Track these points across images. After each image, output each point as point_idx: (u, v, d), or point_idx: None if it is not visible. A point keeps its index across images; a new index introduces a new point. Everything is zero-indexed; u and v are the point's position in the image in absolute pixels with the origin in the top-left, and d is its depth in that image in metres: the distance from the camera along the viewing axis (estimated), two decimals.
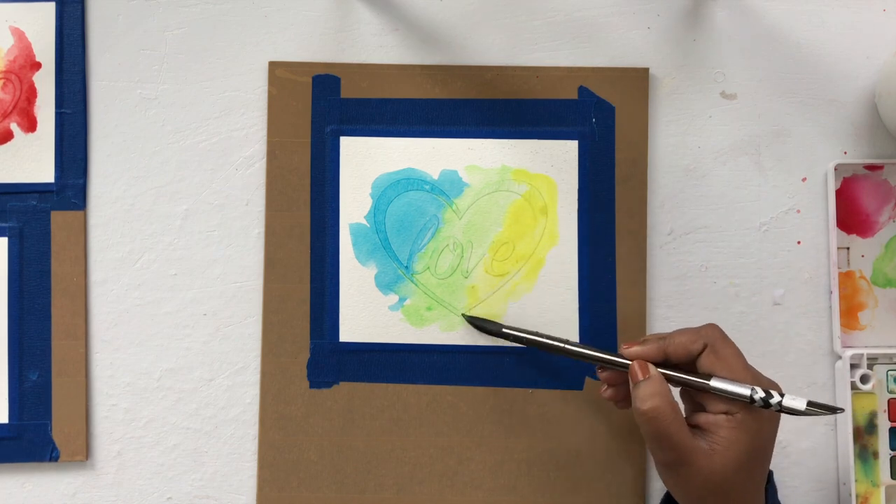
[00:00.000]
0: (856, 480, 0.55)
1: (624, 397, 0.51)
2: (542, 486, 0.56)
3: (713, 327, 0.49)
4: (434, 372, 0.57)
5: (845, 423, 0.55)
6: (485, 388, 0.57)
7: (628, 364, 0.49)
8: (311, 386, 0.57)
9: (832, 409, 0.47)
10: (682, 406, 0.50)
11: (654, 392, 0.47)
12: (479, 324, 0.55)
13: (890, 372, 0.56)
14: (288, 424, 0.57)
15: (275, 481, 0.56)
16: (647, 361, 0.49)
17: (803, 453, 0.57)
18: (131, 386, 0.57)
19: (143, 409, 0.57)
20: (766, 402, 0.46)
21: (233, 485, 0.57)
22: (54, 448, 0.56)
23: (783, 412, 0.47)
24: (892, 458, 0.56)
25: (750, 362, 0.48)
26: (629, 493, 0.56)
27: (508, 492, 0.56)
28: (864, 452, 0.56)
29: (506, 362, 0.57)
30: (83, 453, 0.57)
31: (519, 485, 0.56)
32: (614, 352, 0.51)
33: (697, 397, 0.49)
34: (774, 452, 0.56)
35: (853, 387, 0.56)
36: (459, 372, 0.57)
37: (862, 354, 0.55)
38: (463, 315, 0.56)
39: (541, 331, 0.54)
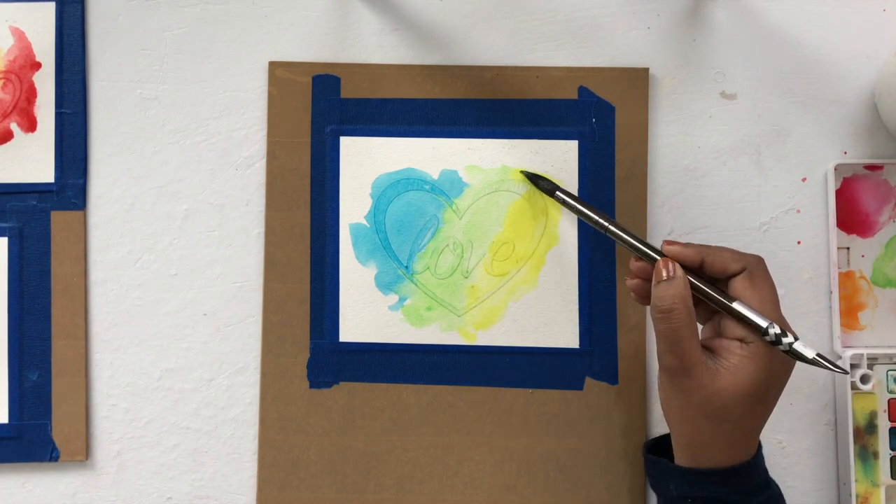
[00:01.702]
0: (856, 480, 0.55)
1: (647, 294, 0.50)
2: (542, 486, 0.56)
3: (759, 258, 0.49)
4: (434, 372, 0.57)
5: (845, 423, 0.55)
6: (485, 388, 0.57)
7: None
8: (311, 386, 0.57)
9: (841, 369, 0.46)
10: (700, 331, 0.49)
11: (674, 293, 0.47)
12: (535, 179, 0.55)
13: (890, 372, 0.56)
14: (288, 424, 0.57)
15: (275, 481, 0.56)
16: (680, 263, 0.48)
17: (803, 453, 0.57)
18: (131, 386, 0.57)
19: (143, 409, 0.57)
20: (777, 339, 0.46)
21: (233, 485, 0.57)
22: (54, 448, 0.56)
23: (791, 354, 0.46)
24: (892, 458, 0.56)
25: None
26: (629, 493, 0.56)
27: (508, 492, 0.56)
28: (864, 452, 0.56)
29: (506, 362, 0.57)
30: (83, 453, 0.57)
31: (519, 485, 0.56)
32: (652, 245, 0.50)
33: (717, 323, 0.48)
34: (774, 452, 0.56)
35: (853, 387, 0.56)
36: (459, 372, 0.57)
37: (862, 354, 0.55)
38: (521, 171, 0.56)
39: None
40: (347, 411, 0.57)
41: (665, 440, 0.52)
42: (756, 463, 0.48)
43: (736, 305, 0.47)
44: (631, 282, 0.51)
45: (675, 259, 0.48)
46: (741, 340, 0.47)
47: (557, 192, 0.54)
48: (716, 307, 0.48)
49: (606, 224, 0.51)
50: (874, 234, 0.57)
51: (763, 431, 0.48)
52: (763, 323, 0.46)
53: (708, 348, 0.47)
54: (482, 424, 0.57)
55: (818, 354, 0.46)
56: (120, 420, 0.57)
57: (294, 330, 0.57)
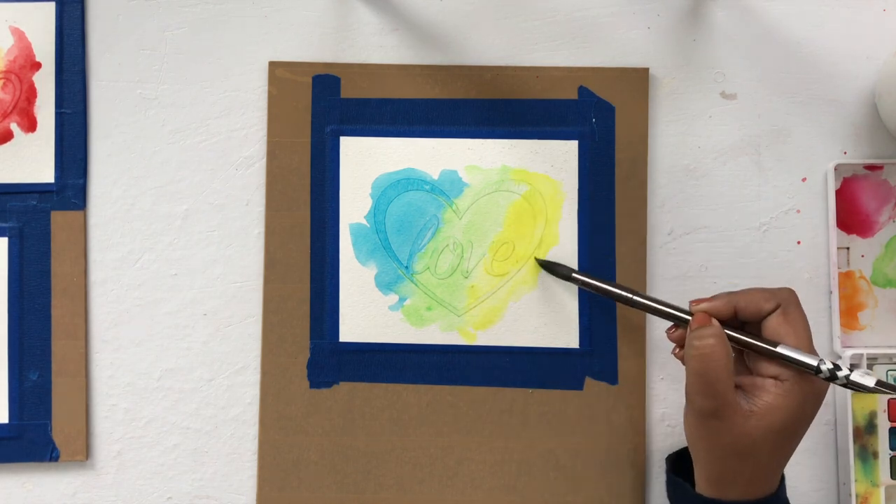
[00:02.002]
0: (856, 480, 0.55)
1: None
2: (542, 486, 0.56)
3: (790, 291, 0.48)
4: (434, 372, 0.57)
5: (845, 423, 0.55)
6: (485, 388, 0.57)
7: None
8: (311, 386, 0.57)
9: None
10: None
11: (712, 333, 0.46)
12: (550, 266, 0.55)
13: (890, 372, 0.56)
14: (288, 424, 0.57)
15: (275, 481, 0.56)
16: (713, 317, 0.48)
17: (803, 453, 0.57)
18: (131, 386, 0.57)
19: (143, 409, 0.57)
20: (832, 375, 0.45)
21: (233, 485, 0.57)
22: (54, 448, 0.57)
23: (849, 387, 0.46)
24: (892, 458, 0.56)
25: None
26: (629, 493, 0.56)
27: (508, 492, 0.56)
28: (864, 452, 0.56)
29: (506, 362, 0.57)
30: (83, 453, 0.57)
31: (519, 485, 0.56)
32: (682, 308, 0.50)
33: (750, 360, 0.48)
34: None
35: None
36: (459, 372, 0.57)
37: (862, 354, 0.55)
38: (536, 259, 0.56)
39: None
40: (347, 411, 0.57)
41: (687, 453, 0.52)
42: (779, 496, 0.48)
43: (781, 349, 0.46)
44: (679, 352, 0.50)
45: (706, 314, 0.48)
46: (775, 378, 0.46)
47: (574, 275, 0.54)
48: (760, 353, 0.47)
49: (632, 297, 0.51)
50: (874, 234, 0.57)
51: None
52: (813, 362, 0.46)
53: (739, 387, 0.47)
54: (482, 424, 0.57)
55: (879, 381, 0.45)
56: (120, 420, 0.57)
57: (294, 330, 0.57)
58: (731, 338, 0.47)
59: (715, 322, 0.47)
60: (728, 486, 0.47)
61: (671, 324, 0.50)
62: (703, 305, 0.48)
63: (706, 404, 0.46)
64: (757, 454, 0.46)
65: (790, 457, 0.48)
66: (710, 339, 0.46)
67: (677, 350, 0.50)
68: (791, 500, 0.54)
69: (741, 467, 0.46)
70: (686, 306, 0.50)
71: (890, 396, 0.46)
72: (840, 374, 0.45)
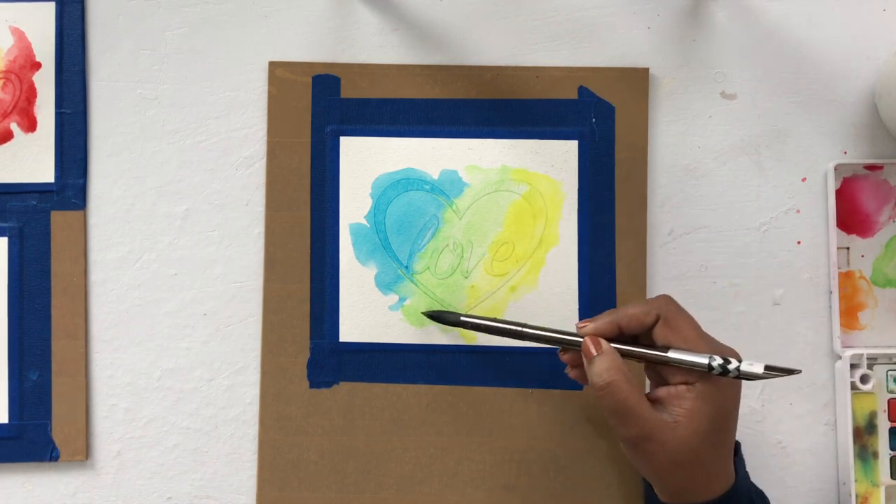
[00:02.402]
0: (856, 480, 0.55)
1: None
2: (542, 486, 0.56)
3: (665, 298, 0.49)
4: (434, 372, 0.57)
5: (845, 423, 0.55)
6: (485, 388, 0.57)
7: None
8: (311, 386, 0.57)
9: (789, 371, 0.46)
10: (647, 383, 0.49)
11: (608, 367, 0.47)
12: (437, 316, 0.55)
13: (890, 372, 0.56)
14: (288, 424, 0.57)
15: (275, 481, 0.56)
16: (601, 337, 0.48)
17: (803, 453, 0.57)
18: (131, 386, 0.57)
19: (143, 409, 0.57)
20: (724, 369, 0.46)
21: (233, 485, 0.57)
22: (54, 448, 0.57)
23: (741, 378, 0.46)
24: (892, 458, 0.56)
25: None
26: (629, 493, 0.56)
27: (508, 492, 0.56)
28: (864, 452, 0.56)
29: (506, 362, 0.57)
30: (83, 453, 0.57)
31: (519, 485, 0.56)
32: (569, 331, 0.50)
33: (660, 371, 0.48)
34: (774, 452, 0.56)
35: (853, 387, 0.56)
36: (459, 372, 0.57)
37: (862, 354, 0.55)
38: (423, 313, 0.56)
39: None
40: (347, 411, 0.57)
41: None
42: (737, 488, 0.48)
43: (671, 354, 0.47)
44: (571, 373, 0.51)
45: (591, 336, 0.48)
46: (685, 383, 0.47)
47: (462, 318, 0.53)
48: (654, 363, 0.48)
49: (521, 329, 0.51)
50: (874, 234, 0.57)
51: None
52: (703, 360, 0.46)
53: (656, 400, 0.47)
54: (482, 424, 0.57)
55: (766, 367, 0.46)
56: (120, 420, 0.57)
57: (294, 330, 0.57)
58: (622, 352, 0.48)
59: (606, 346, 0.48)
60: (683, 495, 0.47)
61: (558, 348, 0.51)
62: (589, 328, 0.49)
63: (630, 432, 0.46)
64: (697, 459, 0.46)
65: (731, 449, 0.48)
66: (607, 373, 0.47)
67: (571, 371, 0.51)
68: (791, 500, 0.55)
69: (688, 475, 0.47)
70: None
71: (782, 377, 0.46)
72: (731, 367, 0.46)
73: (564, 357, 0.51)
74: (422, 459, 0.56)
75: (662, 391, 0.47)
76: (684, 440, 0.46)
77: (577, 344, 0.49)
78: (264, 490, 0.57)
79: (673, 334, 0.47)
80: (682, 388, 0.46)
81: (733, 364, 0.46)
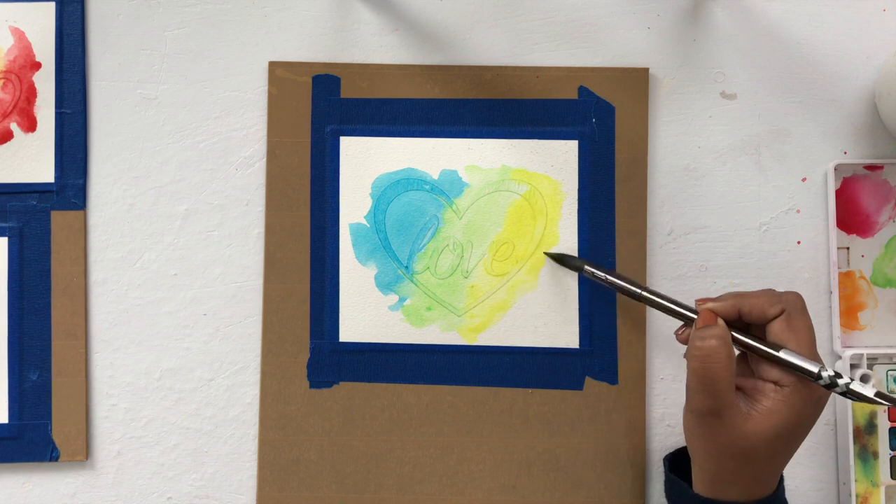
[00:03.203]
0: (856, 480, 0.55)
1: None
2: (542, 486, 0.56)
3: (796, 296, 0.48)
4: (434, 372, 0.57)
5: (845, 423, 0.55)
6: (485, 388, 0.57)
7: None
8: (311, 386, 0.57)
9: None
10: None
11: (715, 334, 0.46)
12: (561, 258, 0.55)
13: (890, 372, 0.56)
14: (288, 424, 0.57)
15: (275, 481, 0.56)
16: (717, 315, 0.48)
17: (803, 453, 0.57)
18: (131, 386, 0.57)
19: (143, 409, 0.57)
20: (832, 383, 0.45)
21: (233, 485, 0.57)
22: (54, 448, 0.56)
23: (848, 396, 0.46)
24: (892, 458, 0.56)
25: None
26: (629, 493, 0.56)
27: (508, 492, 0.56)
28: (864, 452, 0.56)
29: (506, 362, 0.57)
30: (83, 453, 0.57)
31: (519, 485, 0.56)
32: (688, 305, 0.50)
33: (753, 363, 0.48)
34: None
35: None
36: (459, 372, 0.57)
37: (862, 354, 0.55)
38: (545, 252, 0.56)
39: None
40: (347, 411, 0.57)
41: (686, 454, 0.52)
42: (777, 497, 0.48)
43: (783, 354, 0.46)
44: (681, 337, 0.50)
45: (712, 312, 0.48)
46: (775, 383, 0.46)
47: (586, 267, 0.54)
48: (764, 357, 0.47)
49: (640, 291, 0.51)
50: (874, 234, 0.57)
51: None
52: (814, 368, 0.45)
53: (740, 389, 0.47)
54: (482, 424, 0.57)
55: (878, 393, 0.45)
56: (120, 420, 0.57)
57: (294, 330, 0.57)
58: (734, 339, 0.47)
59: (720, 322, 0.47)
60: (725, 487, 0.47)
61: (680, 324, 0.50)
62: (709, 305, 0.48)
63: (705, 403, 0.46)
64: (754, 457, 0.46)
65: (789, 460, 0.48)
66: (712, 339, 0.46)
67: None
68: (791, 501, 0.54)
69: (738, 468, 0.46)
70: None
71: (890, 406, 0.45)
72: (841, 381, 0.45)
73: (681, 336, 0.50)
74: (422, 459, 0.56)
75: (749, 382, 0.47)
76: (749, 434, 0.45)
77: (692, 319, 0.49)
78: (264, 490, 0.57)
79: (790, 333, 0.47)
80: (770, 386, 0.46)
81: (844, 380, 0.45)
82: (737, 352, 0.48)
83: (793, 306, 0.47)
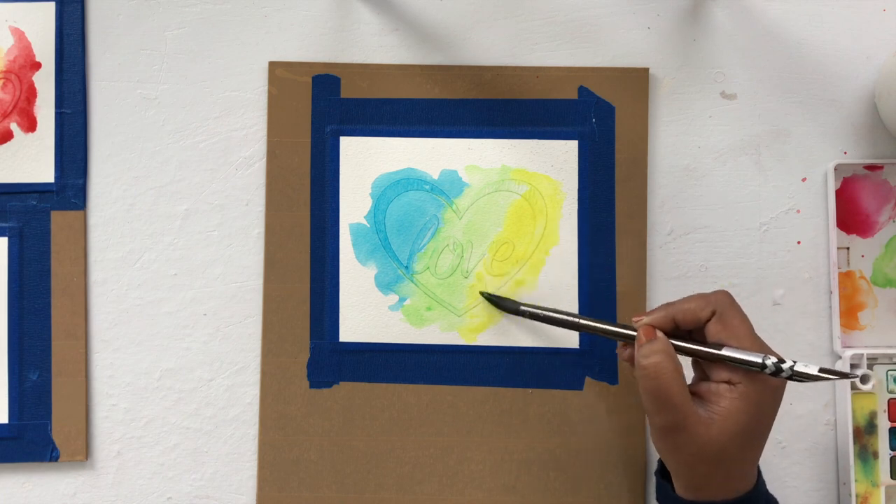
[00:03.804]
0: (856, 480, 0.55)
1: None
2: (542, 486, 0.56)
3: (723, 294, 0.48)
4: (434, 372, 0.57)
5: (845, 423, 0.55)
6: (485, 388, 0.57)
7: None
8: (311, 386, 0.57)
9: (844, 375, 0.46)
10: (690, 376, 0.49)
11: (657, 350, 0.47)
12: (496, 301, 0.55)
13: (890, 372, 0.56)
14: (288, 424, 0.57)
15: (275, 481, 0.56)
16: (655, 328, 0.48)
17: (803, 453, 0.57)
18: (131, 386, 0.57)
19: (143, 409, 0.57)
20: (777, 369, 0.46)
21: (233, 485, 0.57)
22: (54, 448, 0.57)
23: (794, 378, 0.46)
24: (892, 458, 0.56)
25: None
26: (629, 493, 0.56)
27: (508, 492, 0.56)
28: (864, 452, 0.56)
29: (506, 362, 0.57)
30: (83, 453, 0.57)
31: (519, 485, 0.56)
32: (626, 324, 0.50)
33: (706, 367, 0.48)
34: (774, 452, 0.56)
35: (853, 387, 0.56)
36: (459, 372, 0.57)
37: (862, 354, 0.55)
38: (481, 293, 0.56)
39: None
40: (347, 411, 0.57)
41: None
42: (756, 491, 0.48)
43: (725, 352, 0.47)
44: (624, 354, 0.51)
45: (646, 326, 0.48)
46: (728, 382, 0.46)
47: (521, 307, 0.54)
48: (707, 359, 0.47)
49: (577, 321, 0.52)
50: (874, 234, 0.57)
51: None
52: (757, 359, 0.46)
53: (696, 394, 0.47)
54: (482, 424, 0.57)
55: (821, 369, 0.46)
56: (120, 420, 0.57)
57: (294, 330, 0.57)
58: (676, 347, 0.48)
59: (660, 334, 0.48)
60: (704, 490, 0.47)
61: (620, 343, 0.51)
62: (646, 319, 0.49)
63: (665, 419, 0.46)
64: (725, 458, 0.46)
65: (761, 453, 0.48)
66: (656, 355, 0.46)
67: (624, 353, 0.51)
68: (791, 500, 0.54)
69: (712, 472, 0.46)
70: None
71: (837, 379, 0.46)
72: (785, 367, 0.46)
73: (624, 354, 0.50)
74: (422, 459, 0.56)
75: (703, 386, 0.47)
76: (715, 438, 0.45)
77: (633, 337, 0.49)
78: (264, 490, 0.57)
79: (726, 331, 0.47)
80: (724, 386, 0.46)
81: (787, 364, 0.46)
82: (688, 359, 0.49)
83: (722, 305, 0.48)
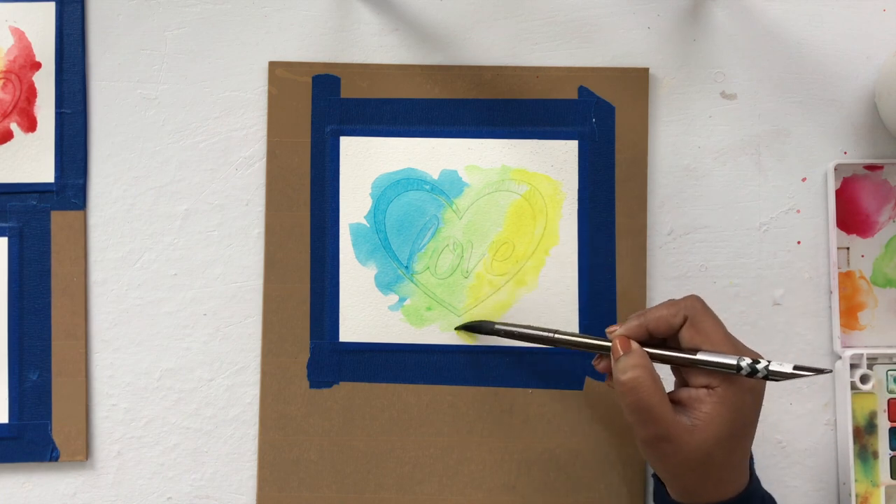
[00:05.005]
0: (856, 480, 0.55)
1: None
2: (542, 486, 0.56)
3: (693, 299, 0.48)
4: (434, 372, 0.57)
5: (845, 423, 0.55)
6: (485, 388, 0.57)
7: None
8: (311, 386, 0.57)
9: (819, 371, 0.46)
10: (671, 384, 0.49)
11: (634, 364, 0.47)
12: (472, 327, 0.56)
13: (890, 372, 0.56)
14: (288, 424, 0.57)
15: (275, 481, 0.56)
16: (630, 339, 0.48)
17: (803, 453, 0.57)
18: (131, 386, 0.57)
19: (143, 409, 0.57)
20: (752, 369, 0.46)
21: (233, 485, 0.57)
22: (54, 448, 0.57)
23: (770, 378, 0.46)
24: (892, 458, 0.56)
25: None
26: (629, 493, 0.56)
27: (508, 492, 0.56)
28: (864, 452, 0.56)
29: (506, 362, 0.57)
30: (83, 453, 0.57)
31: (519, 485, 0.56)
32: (600, 336, 0.50)
33: (684, 373, 0.48)
34: (774, 452, 0.56)
35: (853, 387, 0.56)
36: (459, 372, 0.57)
37: (862, 354, 0.55)
38: (456, 329, 0.56)
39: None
40: (347, 411, 0.57)
41: None
42: (750, 490, 0.48)
43: (700, 356, 0.47)
44: (600, 365, 0.50)
45: (620, 337, 0.48)
46: (707, 387, 0.46)
47: (496, 327, 0.54)
48: (683, 365, 0.47)
49: (552, 335, 0.52)
50: (874, 234, 0.57)
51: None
52: (732, 361, 0.46)
53: (677, 402, 0.47)
54: (482, 424, 0.57)
55: (795, 366, 0.46)
56: (120, 420, 0.57)
57: (294, 330, 0.57)
58: (652, 356, 0.48)
59: (635, 346, 0.48)
60: (696, 494, 0.47)
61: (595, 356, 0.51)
62: (619, 331, 0.49)
63: (649, 432, 0.46)
64: (712, 462, 0.46)
65: (748, 453, 0.48)
66: (633, 370, 0.46)
67: (610, 381, 0.50)
68: (791, 500, 0.54)
69: (701, 477, 0.46)
70: None
71: (813, 376, 0.46)
72: (759, 367, 0.45)
73: (600, 366, 0.50)
74: (422, 459, 0.56)
75: (683, 393, 0.47)
76: (700, 444, 0.46)
77: (608, 349, 0.49)
78: (264, 490, 0.57)
79: (699, 336, 0.47)
80: (703, 391, 0.46)
81: (762, 364, 0.45)
82: (668, 366, 0.49)
83: (693, 310, 0.48)
